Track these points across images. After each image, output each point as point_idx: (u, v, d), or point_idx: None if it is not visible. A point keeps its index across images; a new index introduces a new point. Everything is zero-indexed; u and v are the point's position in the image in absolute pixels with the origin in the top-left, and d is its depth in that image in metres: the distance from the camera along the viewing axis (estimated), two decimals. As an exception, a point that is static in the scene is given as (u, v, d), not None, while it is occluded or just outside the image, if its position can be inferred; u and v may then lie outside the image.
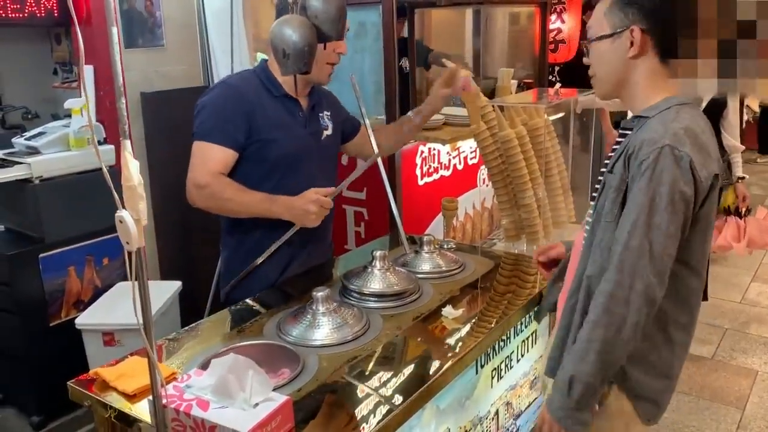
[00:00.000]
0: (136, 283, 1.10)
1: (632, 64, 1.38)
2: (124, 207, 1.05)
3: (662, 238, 1.26)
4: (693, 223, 1.31)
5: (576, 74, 4.44)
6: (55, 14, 3.08)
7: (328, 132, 2.14)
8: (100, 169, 1.05)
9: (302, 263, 2.12)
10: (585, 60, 1.48)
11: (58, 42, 3.71)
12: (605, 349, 1.29)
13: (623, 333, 1.28)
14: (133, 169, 1.05)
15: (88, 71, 2.92)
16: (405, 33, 4.06)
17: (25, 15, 2.96)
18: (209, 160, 1.87)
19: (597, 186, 1.44)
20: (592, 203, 1.45)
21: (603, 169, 1.43)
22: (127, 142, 1.06)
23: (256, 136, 1.94)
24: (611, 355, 1.30)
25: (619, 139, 1.42)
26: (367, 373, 1.53)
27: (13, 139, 2.89)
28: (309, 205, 1.88)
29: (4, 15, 2.87)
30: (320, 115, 2.12)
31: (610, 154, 1.42)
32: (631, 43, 1.35)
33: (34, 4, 2.97)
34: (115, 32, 1.04)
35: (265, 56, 2.08)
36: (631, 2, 1.35)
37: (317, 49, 1.83)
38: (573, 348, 1.35)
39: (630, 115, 1.51)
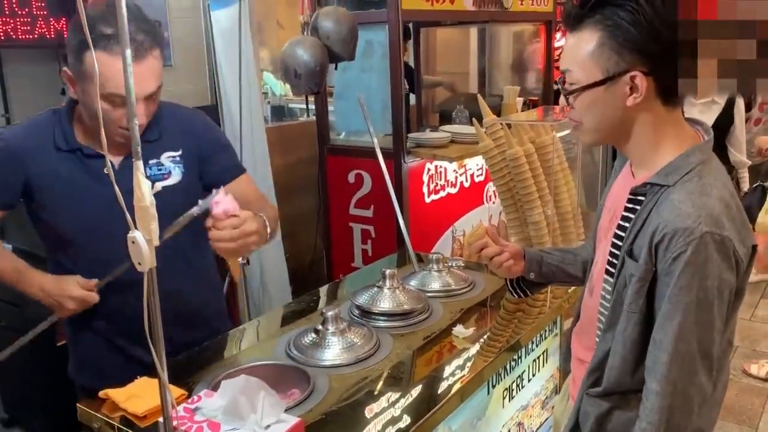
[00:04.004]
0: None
1: (632, 113, 1.17)
2: (136, 227, 1.05)
3: (712, 334, 1.13)
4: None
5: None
6: (65, 35, 3.11)
7: (168, 182, 1.65)
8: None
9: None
10: (562, 102, 1.25)
11: (66, 62, 3.74)
12: None
13: None
14: (146, 190, 1.05)
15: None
16: (406, 55, 4.09)
17: (35, 36, 2.99)
18: None
19: (611, 260, 1.25)
20: (607, 278, 1.26)
21: (617, 240, 1.23)
22: (140, 163, 1.06)
23: (40, 201, 1.61)
24: None
25: (632, 206, 1.21)
26: (377, 393, 1.51)
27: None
28: (66, 300, 1.59)
29: (14, 37, 2.90)
30: (151, 162, 1.64)
31: (623, 224, 1.22)
32: (631, 89, 1.14)
33: (44, 26, 3.00)
34: (129, 54, 1.05)
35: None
36: (628, 42, 1.11)
37: (111, 110, 1.49)
38: None
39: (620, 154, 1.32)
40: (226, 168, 1.77)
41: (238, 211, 1.40)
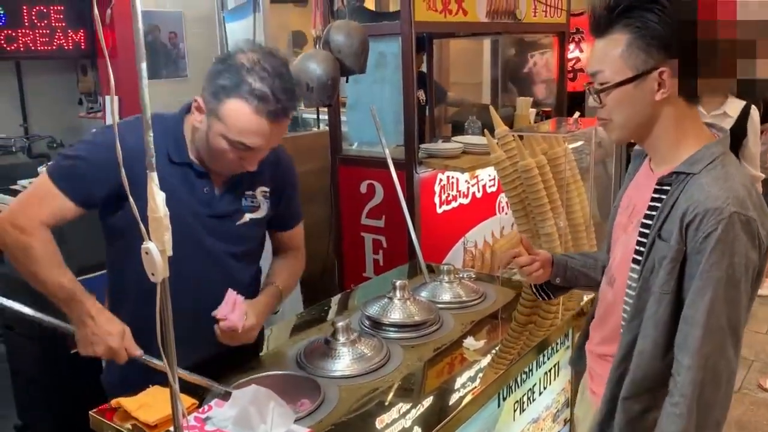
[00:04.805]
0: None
1: (658, 108, 1.25)
2: (150, 238, 1.06)
3: (739, 310, 1.20)
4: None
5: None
6: (82, 47, 3.16)
7: (256, 215, 1.68)
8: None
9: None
10: (592, 101, 1.33)
11: (84, 73, 3.79)
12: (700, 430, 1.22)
13: (715, 413, 1.23)
14: (159, 201, 1.06)
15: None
16: (422, 66, 4.12)
17: (54, 47, 3.04)
18: (45, 206, 1.51)
19: (639, 248, 1.29)
20: (634, 266, 1.31)
21: (644, 229, 1.28)
22: (154, 174, 1.07)
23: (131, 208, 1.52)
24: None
25: (659, 195, 1.27)
26: (387, 404, 1.51)
27: (39, 168, 2.95)
28: (101, 342, 1.48)
29: (34, 48, 2.96)
30: (247, 193, 1.66)
31: (650, 213, 1.28)
32: (659, 85, 1.22)
33: (62, 37, 3.05)
34: (144, 67, 1.06)
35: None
36: (655, 40, 1.19)
37: (229, 151, 1.50)
38: None
39: (638, 149, 1.40)
40: (293, 216, 1.84)
41: (239, 326, 1.55)
